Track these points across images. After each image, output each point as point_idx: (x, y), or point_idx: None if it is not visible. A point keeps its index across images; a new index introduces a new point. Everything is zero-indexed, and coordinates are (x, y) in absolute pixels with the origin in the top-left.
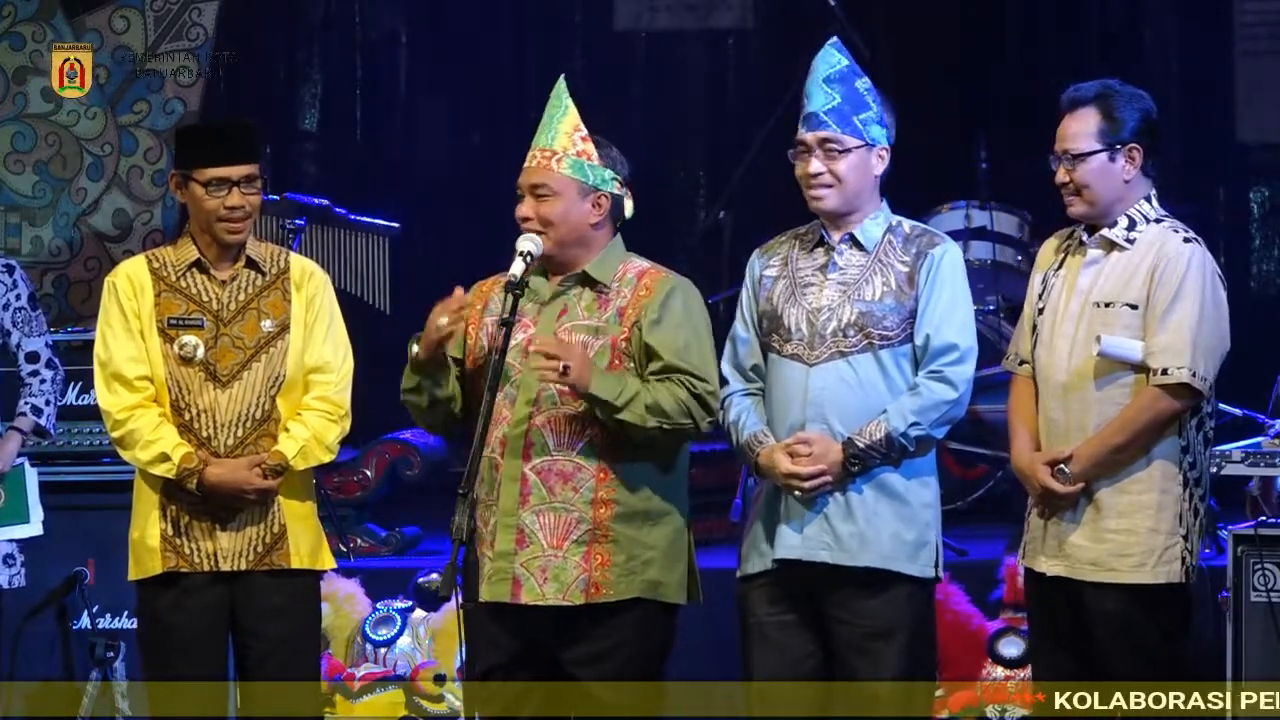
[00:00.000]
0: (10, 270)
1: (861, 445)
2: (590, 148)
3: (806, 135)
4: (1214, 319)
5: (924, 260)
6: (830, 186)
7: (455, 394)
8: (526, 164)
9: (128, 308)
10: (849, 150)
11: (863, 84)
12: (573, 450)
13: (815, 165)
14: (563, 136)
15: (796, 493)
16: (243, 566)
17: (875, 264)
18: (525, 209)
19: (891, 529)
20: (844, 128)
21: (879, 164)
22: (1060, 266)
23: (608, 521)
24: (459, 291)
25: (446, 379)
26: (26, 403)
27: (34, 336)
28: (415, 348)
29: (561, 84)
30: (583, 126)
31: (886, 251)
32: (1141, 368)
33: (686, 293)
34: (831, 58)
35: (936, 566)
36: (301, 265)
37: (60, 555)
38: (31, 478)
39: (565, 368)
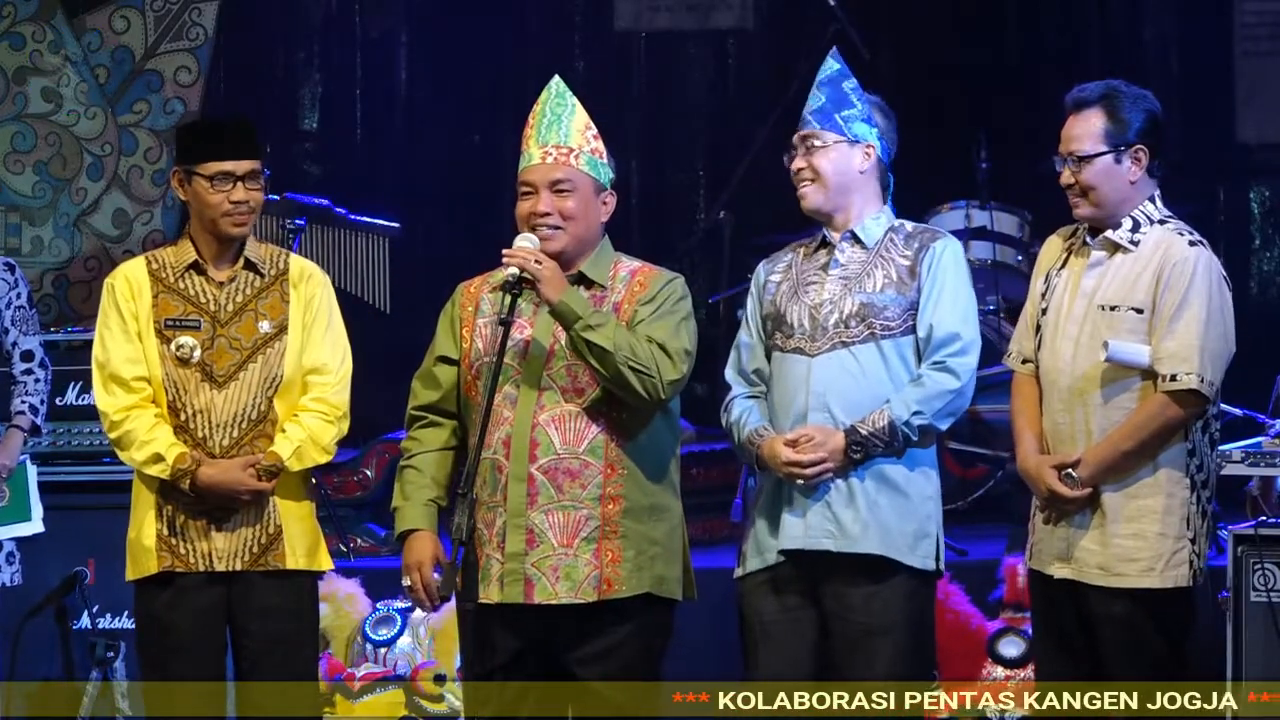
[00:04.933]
0: (11, 269)
1: (864, 433)
2: (601, 146)
3: (795, 135)
4: (1220, 324)
5: (925, 253)
6: (811, 181)
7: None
8: (536, 160)
9: (125, 309)
10: (827, 145)
11: (849, 84)
12: (578, 447)
13: (797, 161)
14: (576, 134)
15: (799, 481)
16: (238, 567)
17: (876, 258)
18: (542, 204)
19: (892, 520)
20: (824, 124)
21: (864, 160)
22: (1064, 266)
23: (616, 517)
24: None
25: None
26: (24, 401)
27: (30, 335)
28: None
29: (560, 83)
30: (592, 125)
31: (888, 248)
32: (1148, 373)
33: (677, 287)
34: (827, 65)
35: (938, 560)
36: (301, 266)
37: (60, 555)
38: (32, 475)
39: (539, 260)
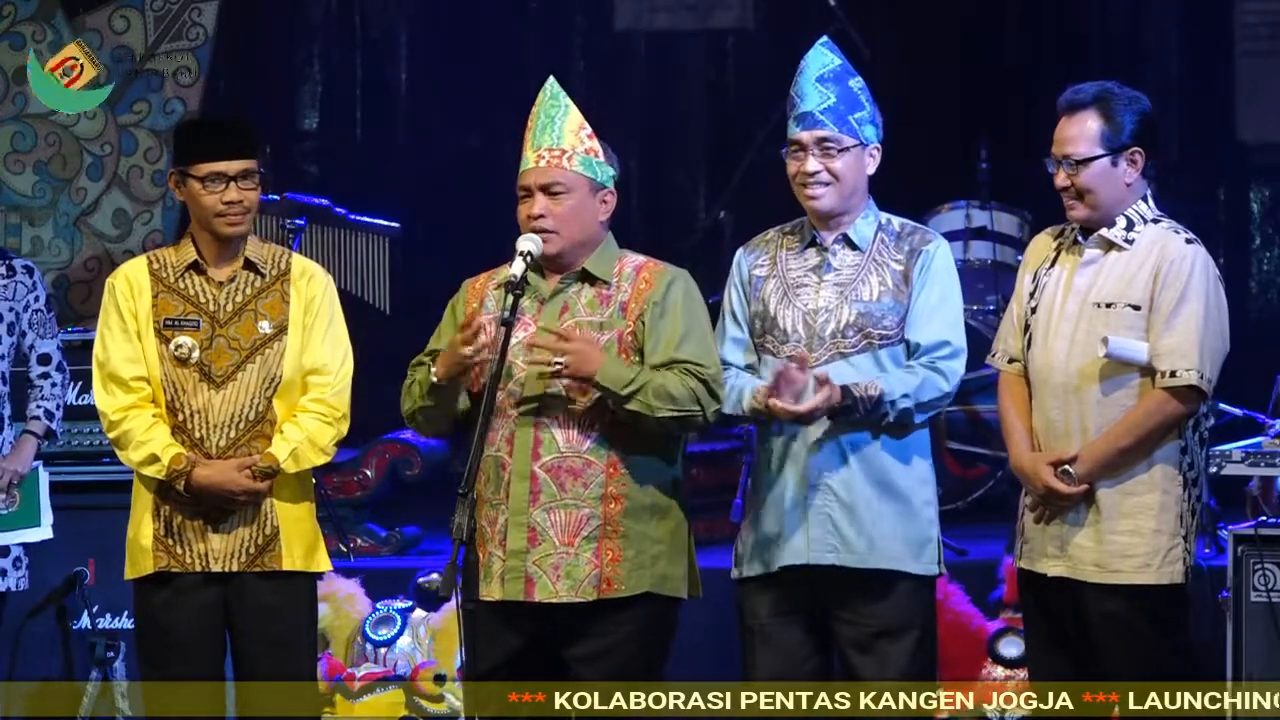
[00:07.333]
0: (31, 272)
1: (856, 395)
2: (596, 145)
3: (802, 134)
4: (1217, 321)
5: (918, 257)
6: (828, 185)
7: (467, 404)
8: (530, 164)
9: (125, 309)
10: (846, 149)
11: (856, 83)
12: (582, 446)
13: (812, 164)
14: (569, 135)
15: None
16: (234, 568)
17: (870, 263)
18: (537, 207)
19: (896, 530)
20: (840, 127)
21: (872, 163)
22: (1053, 265)
23: (617, 516)
24: (477, 321)
25: (459, 397)
26: (39, 406)
27: (48, 339)
28: (432, 370)
29: (554, 84)
30: (587, 124)
31: (880, 250)
32: (1146, 369)
33: (685, 283)
34: (824, 57)
35: (939, 563)
36: (302, 266)
37: (60, 555)
38: (44, 481)
39: (560, 364)
